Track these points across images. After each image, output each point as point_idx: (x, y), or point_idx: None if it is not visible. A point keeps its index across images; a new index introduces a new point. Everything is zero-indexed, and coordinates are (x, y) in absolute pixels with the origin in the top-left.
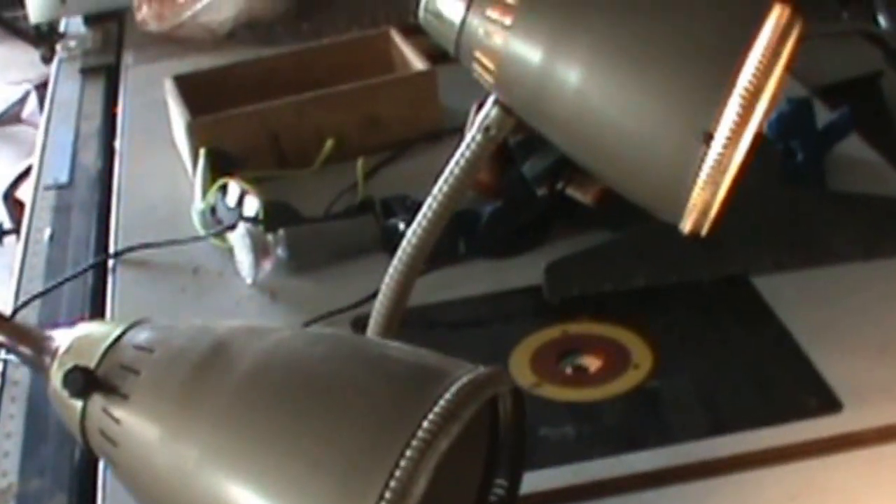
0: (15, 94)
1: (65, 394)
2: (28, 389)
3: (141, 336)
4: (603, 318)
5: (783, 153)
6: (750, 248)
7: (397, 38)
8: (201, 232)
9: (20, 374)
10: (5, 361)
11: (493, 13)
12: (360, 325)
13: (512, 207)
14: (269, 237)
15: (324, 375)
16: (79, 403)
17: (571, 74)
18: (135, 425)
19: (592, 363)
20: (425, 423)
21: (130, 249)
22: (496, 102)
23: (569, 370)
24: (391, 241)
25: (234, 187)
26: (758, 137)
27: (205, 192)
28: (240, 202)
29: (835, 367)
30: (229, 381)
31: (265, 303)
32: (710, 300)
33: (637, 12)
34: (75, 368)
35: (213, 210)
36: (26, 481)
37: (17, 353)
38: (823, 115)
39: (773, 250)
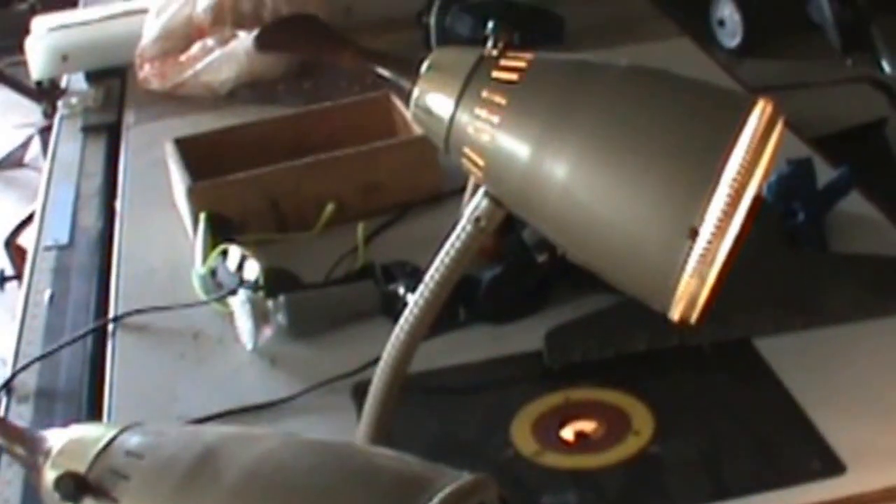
0: (18, 138)
1: (55, 496)
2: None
3: (132, 441)
4: (604, 383)
5: (783, 214)
6: (751, 310)
7: (398, 100)
8: (202, 296)
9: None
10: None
11: (481, 112)
12: (360, 391)
13: (512, 273)
14: (270, 304)
15: (311, 488)
16: None
17: (558, 171)
18: None
19: (594, 430)
20: None
21: (130, 314)
22: (486, 194)
23: (570, 437)
24: (392, 307)
25: (234, 252)
26: (757, 203)
27: (205, 257)
28: (240, 267)
29: (837, 429)
30: (217, 491)
31: (265, 369)
32: (711, 363)
33: (623, 111)
34: (66, 474)
35: (213, 274)
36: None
37: (11, 453)
38: (824, 170)
39: (774, 312)
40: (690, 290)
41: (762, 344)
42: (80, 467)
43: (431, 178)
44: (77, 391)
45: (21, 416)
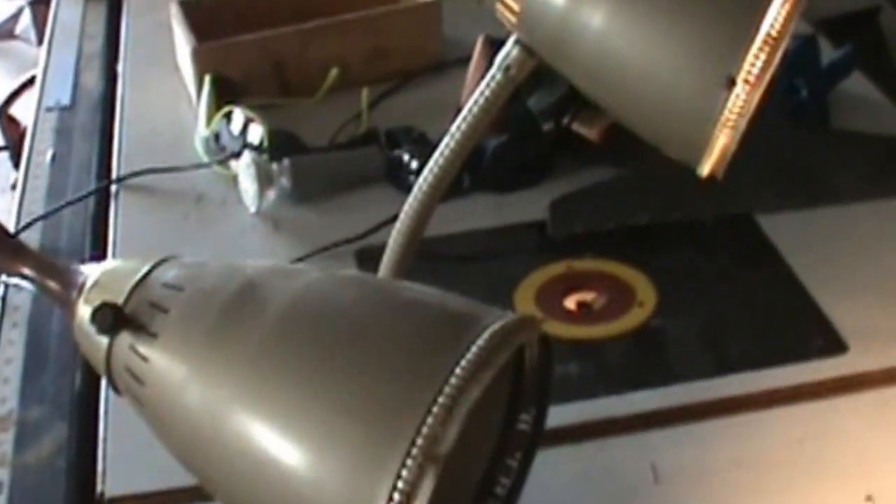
0: (8, 9)
1: (91, 330)
2: (29, 315)
3: (170, 273)
4: (608, 254)
5: (787, 90)
6: (753, 186)
7: None
8: (205, 159)
9: (21, 300)
10: (6, 286)
11: None
12: (364, 257)
13: (517, 142)
14: (274, 166)
15: (355, 319)
16: (105, 340)
17: (595, 17)
18: (163, 364)
19: (597, 300)
20: (457, 370)
21: (133, 175)
22: (517, 42)
23: (573, 307)
24: (396, 173)
25: (238, 115)
26: (773, 80)
27: (209, 119)
28: (244, 130)
29: (840, 307)
30: (260, 323)
31: (268, 232)
32: (713, 239)
33: None
34: (104, 305)
35: (216, 137)
36: (26, 409)
37: (43, 287)
38: (827, 52)
39: (777, 189)
40: (723, 143)
41: (765, 221)
42: (117, 300)
43: (435, 45)
44: (79, 252)
45: None
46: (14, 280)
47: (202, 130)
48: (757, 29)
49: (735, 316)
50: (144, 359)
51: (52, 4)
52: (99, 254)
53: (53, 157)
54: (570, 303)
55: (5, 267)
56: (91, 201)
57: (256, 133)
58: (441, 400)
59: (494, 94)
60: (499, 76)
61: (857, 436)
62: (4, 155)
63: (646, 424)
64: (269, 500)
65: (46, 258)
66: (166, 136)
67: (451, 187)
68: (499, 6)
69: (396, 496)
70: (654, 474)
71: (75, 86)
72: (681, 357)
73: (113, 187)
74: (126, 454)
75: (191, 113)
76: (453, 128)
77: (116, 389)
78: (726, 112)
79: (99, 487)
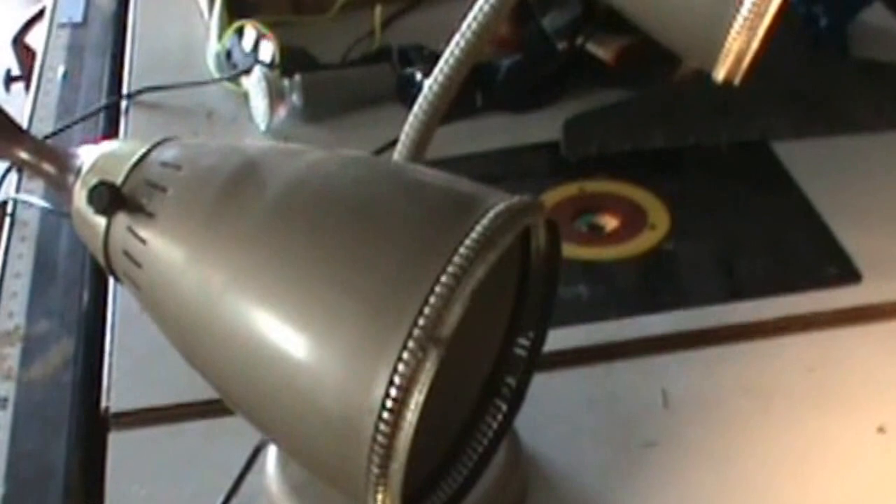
0: None
1: (89, 211)
2: (38, 230)
3: (168, 153)
4: (621, 177)
5: (805, 18)
6: (770, 112)
7: None
8: (216, 75)
9: (30, 215)
10: (15, 201)
11: None
12: None
13: (531, 61)
14: (285, 83)
15: (359, 198)
16: (103, 222)
17: None
18: (161, 246)
19: (609, 222)
20: (462, 249)
21: (143, 91)
22: None
23: (584, 229)
24: (407, 91)
25: (250, 31)
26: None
27: (220, 35)
28: (255, 47)
29: (854, 237)
30: (260, 201)
31: None
32: (728, 165)
33: None
34: (101, 184)
35: (228, 54)
36: (33, 323)
37: (39, 171)
38: None
39: (794, 116)
40: (739, 45)
41: (780, 148)
42: (115, 180)
43: None
44: None
45: (33, 191)
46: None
47: (213, 46)
48: None
49: (748, 242)
50: (142, 241)
51: None
52: None
53: (65, 75)
54: (582, 225)
55: (2, 151)
56: (101, 118)
57: (268, 49)
58: (444, 279)
59: (487, 17)
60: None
61: (869, 366)
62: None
63: (655, 348)
64: (268, 383)
65: (44, 143)
66: (178, 52)
67: (463, 107)
68: None
69: (397, 379)
70: (664, 399)
71: (87, 4)
72: (692, 281)
73: (123, 104)
74: (132, 370)
75: (203, 29)
76: (446, 53)
77: (115, 276)
78: (743, 11)
79: (104, 402)
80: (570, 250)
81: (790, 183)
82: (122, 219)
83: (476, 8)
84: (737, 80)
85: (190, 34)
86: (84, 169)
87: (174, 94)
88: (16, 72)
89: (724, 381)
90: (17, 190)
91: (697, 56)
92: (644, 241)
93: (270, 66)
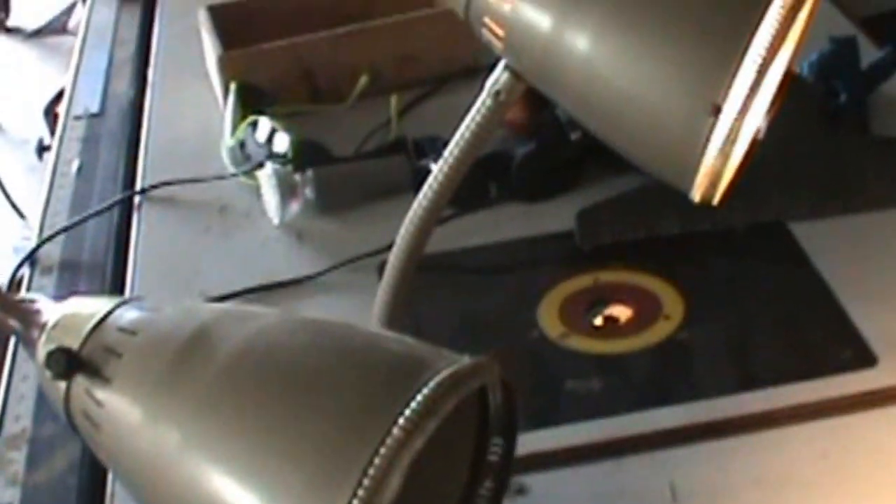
0: (61, 3)
1: (49, 373)
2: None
3: (126, 317)
4: (635, 266)
5: (824, 94)
6: (787, 193)
7: None
8: (230, 168)
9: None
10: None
11: None
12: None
13: (545, 150)
14: (298, 177)
15: (303, 366)
16: (63, 384)
17: (580, 43)
18: (117, 408)
19: (623, 313)
20: (400, 421)
21: (157, 186)
22: (507, 67)
23: (598, 321)
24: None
25: (264, 124)
26: (788, 79)
27: (234, 128)
28: (270, 139)
29: (871, 319)
30: (209, 368)
31: (291, 244)
32: (744, 247)
33: None
34: (58, 350)
35: (242, 146)
36: (40, 426)
37: (5, 325)
38: (870, 50)
39: (811, 195)
40: (713, 169)
41: (798, 228)
42: (74, 342)
43: (468, 50)
44: (101, 263)
45: (44, 287)
46: None
47: (228, 139)
48: (742, 55)
49: (762, 328)
50: (99, 403)
51: (86, 7)
52: (121, 267)
53: (80, 169)
54: (596, 316)
55: None
56: (115, 212)
57: (282, 142)
58: (383, 450)
59: (485, 119)
60: (488, 101)
61: (885, 451)
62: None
63: (666, 442)
64: None
65: (10, 298)
66: (194, 144)
67: (477, 198)
68: (484, 31)
69: None
70: (672, 494)
71: (105, 92)
72: (705, 371)
73: (137, 198)
74: None
75: (219, 120)
76: (445, 153)
77: (77, 432)
78: (713, 140)
79: None
80: (583, 343)
81: (807, 264)
82: (80, 381)
83: (463, 125)
84: (715, 201)
85: (207, 123)
86: (48, 327)
87: (188, 186)
88: (48, 140)
89: (735, 472)
90: (28, 289)
91: (672, 179)
92: (658, 332)
93: (284, 158)
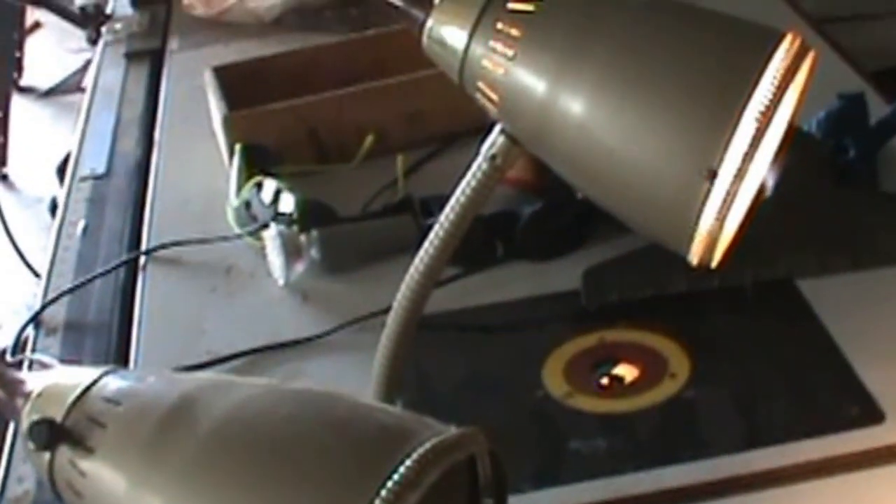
0: (75, 62)
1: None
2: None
3: (110, 387)
4: (641, 324)
5: (833, 151)
6: (796, 250)
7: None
8: (235, 229)
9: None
10: (31, 361)
11: (496, 44)
12: None
13: (552, 209)
14: (303, 238)
15: (286, 437)
16: (46, 454)
17: (574, 107)
18: (100, 480)
19: (629, 372)
20: (382, 493)
21: (163, 247)
22: (502, 131)
23: (604, 380)
24: None
25: (269, 184)
26: (789, 137)
27: (240, 189)
28: (275, 199)
29: (878, 375)
30: (193, 437)
31: (296, 304)
32: (752, 305)
33: (642, 46)
34: (41, 421)
35: (248, 206)
36: (43, 488)
37: None
38: (878, 107)
39: (820, 252)
40: (709, 233)
41: (805, 285)
42: (58, 413)
43: (475, 109)
44: (107, 324)
45: (49, 349)
46: None
47: (233, 200)
48: (737, 120)
49: (769, 384)
50: (82, 474)
51: (94, 68)
52: (126, 328)
53: (85, 229)
54: (601, 376)
55: None
56: (121, 273)
57: (287, 203)
58: None
59: (481, 183)
60: (484, 166)
61: None
62: None
63: (672, 501)
64: None
65: None
66: (200, 204)
67: (483, 257)
68: (479, 96)
69: None
70: None
71: (112, 152)
72: (711, 430)
73: (142, 259)
74: None
75: (224, 180)
76: (441, 217)
77: (61, 500)
78: (709, 204)
79: None
80: (588, 403)
81: (814, 321)
82: (64, 451)
83: (458, 189)
84: (713, 264)
85: (213, 183)
86: (32, 397)
87: (193, 247)
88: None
89: None
90: (34, 350)
91: (669, 242)
92: (664, 391)
93: (290, 219)
